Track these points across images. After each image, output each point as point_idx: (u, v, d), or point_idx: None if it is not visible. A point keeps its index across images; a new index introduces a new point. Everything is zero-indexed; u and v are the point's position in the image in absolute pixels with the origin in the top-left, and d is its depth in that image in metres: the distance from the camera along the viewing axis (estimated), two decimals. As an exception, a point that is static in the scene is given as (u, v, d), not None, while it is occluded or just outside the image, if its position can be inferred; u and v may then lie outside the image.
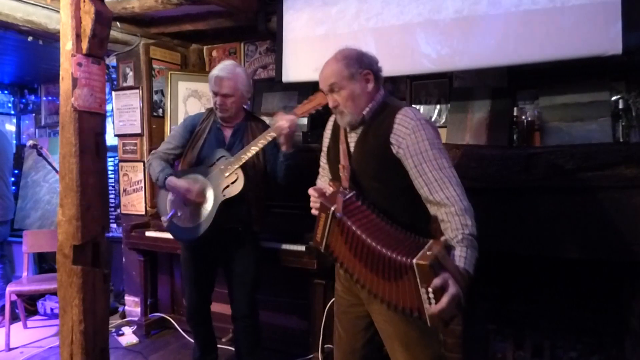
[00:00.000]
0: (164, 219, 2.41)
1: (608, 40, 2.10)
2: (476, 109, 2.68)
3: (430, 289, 1.34)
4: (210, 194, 2.29)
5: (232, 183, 2.24)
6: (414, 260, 1.35)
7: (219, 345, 2.79)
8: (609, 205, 2.12)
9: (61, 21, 1.86)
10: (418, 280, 1.36)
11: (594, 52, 2.15)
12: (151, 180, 2.63)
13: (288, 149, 2.21)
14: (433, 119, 2.88)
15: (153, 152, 2.49)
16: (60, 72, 1.88)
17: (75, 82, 1.85)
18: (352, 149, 1.67)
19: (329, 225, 1.55)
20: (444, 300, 1.32)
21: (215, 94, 2.31)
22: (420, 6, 2.53)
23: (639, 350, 2.16)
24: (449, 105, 2.81)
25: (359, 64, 1.61)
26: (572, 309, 2.52)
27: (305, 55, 2.75)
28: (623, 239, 2.10)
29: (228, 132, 2.41)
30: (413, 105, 2.90)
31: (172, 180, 2.32)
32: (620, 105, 2.39)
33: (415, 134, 1.52)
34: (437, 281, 1.33)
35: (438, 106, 2.86)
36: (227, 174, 2.25)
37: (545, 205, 2.24)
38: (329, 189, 1.66)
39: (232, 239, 2.38)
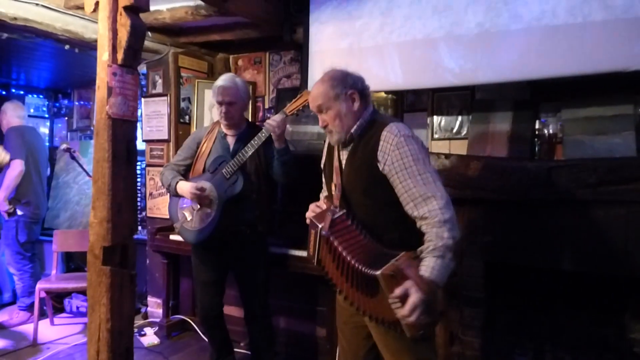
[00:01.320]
0: (176, 225, 2.61)
1: (631, 55, 2.09)
2: (498, 121, 2.68)
3: (396, 298, 1.40)
4: (214, 197, 2.45)
5: (233, 184, 2.42)
6: (378, 272, 1.41)
7: (237, 350, 2.85)
8: (632, 220, 2.11)
9: (99, 33, 1.96)
10: (385, 290, 1.42)
11: (617, 67, 2.14)
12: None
13: (280, 144, 2.41)
14: (454, 131, 2.90)
15: (165, 164, 2.72)
16: (97, 82, 1.98)
17: (110, 91, 1.94)
18: (343, 167, 1.73)
19: (319, 241, 1.63)
20: (405, 307, 1.38)
21: (220, 103, 2.48)
22: (442, 19, 2.56)
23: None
24: (470, 117, 2.82)
25: (344, 84, 1.67)
26: (594, 325, 2.49)
27: (330, 67, 2.80)
28: (646, 255, 2.08)
29: (232, 140, 2.56)
30: (434, 116, 2.95)
31: (181, 184, 2.51)
32: (645, 119, 2.37)
33: (399, 150, 1.56)
34: (397, 290, 1.39)
35: (460, 117, 2.88)
36: (228, 177, 2.42)
37: (567, 218, 2.23)
38: (323, 206, 1.73)
39: (240, 242, 2.49)
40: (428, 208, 1.49)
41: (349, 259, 1.52)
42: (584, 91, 2.48)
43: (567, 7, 2.26)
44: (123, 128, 2.02)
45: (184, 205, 2.58)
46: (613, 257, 2.14)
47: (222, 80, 2.50)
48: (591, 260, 2.18)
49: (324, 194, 1.95)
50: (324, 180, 1.93)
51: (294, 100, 2.39)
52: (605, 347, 2.44)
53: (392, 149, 1.57)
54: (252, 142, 2.39)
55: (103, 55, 1.96)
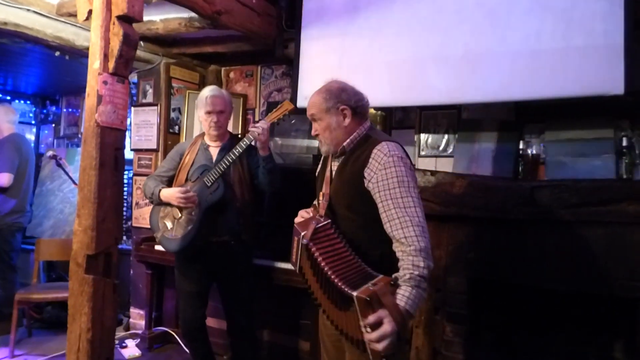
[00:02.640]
0: (156, 234, 2.59)
1: (611, 80, 2.16)
2: (483, 140, 2.74)
3: (367, 323, 1.39)
4: (195, 197, 2.45)
5: (214, 191, 2.43)
6: (354, 293, 1.41)
7: (220, 363, 2.82)
8: (612, 241, 2.15)
9: (91, 41, 1.97)
10: (358, 312, 1.42)
11: (597, 91, 2.20)
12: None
13: (264, 152, 2.41)
14: (441, 148, 2.94)
15: (149, 175, 2.73)
16: (87, 89, 1.99)
17: (100, 99, 1.95)
18: (332, 177, 1.75)
19: (300, 249, 1.64)
20: (374, 334, 1.38)
21: (210, 112, 2.50)
22: (430, 39, 2.61)
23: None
24: (456, 136, 2.87)
25: (337, 99, 1.69)
26: (576, 343, 2.52)
27: (320, 82, 2.81)
28: (625, 274, 2.12)
29: (215, 151, 2.58)
30: (422, 134, 3.00)
31: (165, 190, 2.51)
32: (624, 143, 2.43)
33: (385, 170, 1.57)
34: (371, 318, 1.39)
35: (446, 136, 2.93)
36: (209, 184, 2.44)
37: (549, 237, 2.27)
38: (310, 214, 1.75)
39: (224, 253, 2.48)
40: (404, 233, 1.50)
41: (326, 269, 1.52)
42: (567, 114, 2.54)
43: (550, 30, 2.33)
44: (111, 136, 2.03)
45: (164, 215, 2.57)
46: (593, 276, 2.18)
47: (210, 90, 2.54)
48: (572, 278, 2.22)
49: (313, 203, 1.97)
50: (317, 188, 1.94)
51: (274, 110, 2.45)
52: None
53: (379, 167, 1.58)
54: (234, 150, 2.40)
55: (94, 63, 1.97)
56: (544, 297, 2.42)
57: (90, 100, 1.98)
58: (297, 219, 1.76)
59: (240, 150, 2.39)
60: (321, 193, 1.77)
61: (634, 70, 2.13)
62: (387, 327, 1.38)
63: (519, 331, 2.62)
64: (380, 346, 1.38)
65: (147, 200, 3.70)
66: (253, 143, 2.40)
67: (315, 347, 2.84)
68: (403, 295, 1.44)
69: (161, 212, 2.57)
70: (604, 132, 2.46)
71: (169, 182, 2.62)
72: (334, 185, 1.73)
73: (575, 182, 2.25)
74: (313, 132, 1.76)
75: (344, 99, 1.70)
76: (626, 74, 2.12)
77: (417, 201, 1.56)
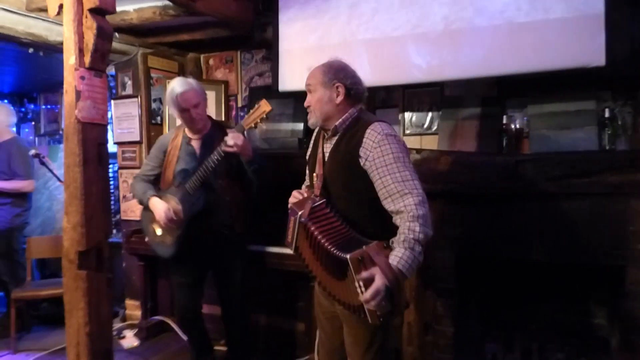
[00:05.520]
0: (147, 239, 2.62)
1: (592, 52, 2.16)
2: (466, 116, 2.75)
3: (360, 282, 1.47)
4: (180, 213, 2.43)
5: (197, 199, 2.41)
6: (348, 255, 1.48)
7: (217, 347, 2.86)
8: (595, 211, 2.21)
9: (64, 36, 1.93)
10: (353, 273, 1.49)
11: (578, 63, 2.20)
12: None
13: (247, 157, 2.35)
14: (425, 126, 2.95)
15: (135, 175, 2.69)
16: (64, 86, 1.95)
17: (78, 95, 1.92)
18: (326, 158, 1.78)
19: (297, 228, 1.69)
20: (367, 292, 1.45)
21: (185, 110, 2.40)
22: (409, 13, 2.58)
23: (624, 353, 2.23)
24: (440, 113, 2.88)
25: (334, 75, 1.73)
26: (560, 312, 2.60)
27: (300, 65, 2.78)
28: (608, 244, 2.18)
29: (197, 144, 2.51)
30: (406, 112, 3.00)
31: (155, 202, 2.47)
32: (607, 114, 2.46)
33: (380, 148, 1.61)
34: (364, 274, 1.46)
35: (430, 113, 2.94)
36: (191, 192, 2.40)
37: (533, 210, 2.31)
38: (305, 195, 1.79)
39: (218, 242, 2.49)
40: (404, 203, 1.55)
41: (323, 241, 1.58)
42: (549, 87, 2.55)
43: (529, 1, 2.31)
44: (93, 132, 2.00)
45: (153, 219, 2.55)
46: (577, 247, 2.23)
47: (179, 86, 2.39)
48: (556, 250, 2.27)
49: (306, 184, 1.98)
50: (307, 170, 1.96)
51: (251, 112, 2.27)
52: (571, 333, 2.55)
53: (374, 146, 1.62)
54: (211, 160, 2.31)
55: (70, 59, 1.93)
56: (530, 270, 2.47)
57: (68, 96, 1.94)
58: (292, 199, 1.80)
59: (216, 160, 2.30)
60: (315, 174, 1.80)
61: (615, 40, 2.13)
62: (378, 282, 1.45)
63: (506, 303, 2.69)
64: (373, 303, 1.45)
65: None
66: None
67: (309, 328, 2.90)
68: (396, 256, 1.50)
69: (150, 215, 2.55)
70: (587, 104, 2.48)
71: (156, 181, 2.60)
72: (328, 165, 1.76)
73: (557, 155, 2.29)
74: (306, 103, 1.80)
75: (341, 77, 1.74)
76: (607, 45, 2.12)
77: (414, 174, 1.62)
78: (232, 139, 2.24)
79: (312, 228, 1.61)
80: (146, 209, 2.56)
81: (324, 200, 1.70)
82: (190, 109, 2.40)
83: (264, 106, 2.21)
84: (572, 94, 2.53)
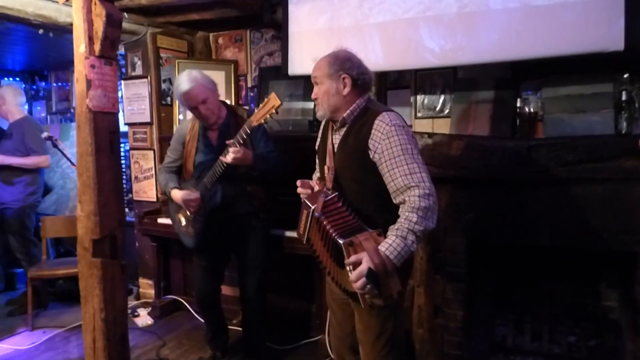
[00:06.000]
0: (175, 229, 2.70)
1: (610, 36, 2.09)
2: (480, 99, 2.70)
3: (350, 266, 1.53)
4: (199, 200, 2.49)
5: (215, 194, 2.47)
6: (341, 241, 1.54)
7: (230, 327, 2.93)
8: (609, 197, 2.17)
9: (74, 24, 1.92)
10: (345, 258, 1.54)
11: (596, 48, 2.14)
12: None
13: (248, 166, 2.36)
14: (437, 109, 2.91)
15: (160, 167, 2.75)
16: (75, 74, 1.95)
17: (89, 84, 1.92)
18: (335, 150, 1.77)
19: (310, 221, 1.71)
20: (354, 273, 1.51)
21: (195, 107, 2.38)
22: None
23: (635, 336, 2.25)
24: (453, 96, 2.83)
25: (340, 67, 1.71)
26: (571, 295, 2.61)
27: (310, 48, 2.74)
28: (622, 229, 2.16)
29: (214, 135, 2.51)
30: (418, 95, 2.96)
31: (175, 193, 2.54)
32: (624, 97, 2.39)
33: (389, 139, 1.61)
34: (352, 258, 1.52)
35: (442, 96, 2.89)
36: (209, 187, 2.45)
37: (546, 196, 2.29)
38: (316, 187, 1.80)
39: (242, 226, 2.53)
40: (408, 194, 1.57)
41: (332, 233, 1.60)
42: (565, 70, 2.49)
43: (547, -16, 2.24)
44: (105, 120, 2.01)
45: (178, 209, 2.63)
46: (590, 232, 2.21)
47: (185, 83, 2.34)
48: (569, 235, 2.25)
49: (316, 175, 1.98)
50: (317, 161, 1.96)
51: (260, 107, 2.20)
52: (582, 316, 2.57)
53: (382, 137, 1.62)
54: (215, 165, 2.36)
55: (80, 47, 1.93)
56: (540, 253, 2.47)
57: (79, 85, 1.94)
58: (301, 190, 1.81)
59: (222, 167, 2.34)
60: (326, 167, 1.80)
61: (635, 25, 2.05)
62: (363, 265, 1.49)
63: (517, 286, 2.70)
64: (357, 284, 1.50)
65: (146, 174, 3.75)
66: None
67: (320, 308, 2.95)
68: (386, 242, 1.53)
69: (176, 206, 2.62)
70: (603, 86, 2.42)
71: (179, 172, 2.64)
72: (337, 158, 1.76)
73: (572, 140, 2.24)
74: (313, 96, 1.79)
75: (347, 67, 1.71)
76: (627, 29, 2.05)
77: (423, 166, 1.61)
78: (232, 153, 2.25)
79: (325, 222, 1.62)
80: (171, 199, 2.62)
81: (336, 193, 1.70)
82: (198, 105, 2.37)
83: (273, 100, 2.14)
84: (588, 77, 2.46)
